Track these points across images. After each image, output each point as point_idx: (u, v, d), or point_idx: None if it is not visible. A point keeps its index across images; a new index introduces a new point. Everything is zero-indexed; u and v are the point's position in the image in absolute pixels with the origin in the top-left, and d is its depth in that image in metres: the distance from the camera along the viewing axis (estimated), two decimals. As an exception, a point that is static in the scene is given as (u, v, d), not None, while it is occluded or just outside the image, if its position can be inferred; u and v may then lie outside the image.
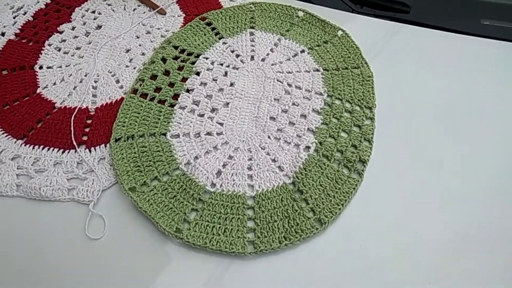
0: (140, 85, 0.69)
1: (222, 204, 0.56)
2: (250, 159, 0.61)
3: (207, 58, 0.73)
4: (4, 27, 0.81)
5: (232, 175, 0.59)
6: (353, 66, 0.72)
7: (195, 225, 0.54)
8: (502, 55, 0.75)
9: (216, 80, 0.70)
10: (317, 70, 0.72)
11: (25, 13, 0.84)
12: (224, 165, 0.60)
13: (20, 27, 0.80)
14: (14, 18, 0.83)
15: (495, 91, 0.69)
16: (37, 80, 0.71)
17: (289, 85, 0.69)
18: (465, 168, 0.59)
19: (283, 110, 0.66)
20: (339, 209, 0.55)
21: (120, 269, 0.53)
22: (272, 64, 0.73)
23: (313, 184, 0.57)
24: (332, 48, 0.75)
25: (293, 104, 0.67)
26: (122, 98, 0.68)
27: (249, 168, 0.60)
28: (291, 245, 0.53)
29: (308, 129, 0.64)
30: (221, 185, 0.58)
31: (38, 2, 0.86)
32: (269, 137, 0.63)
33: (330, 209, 0.55)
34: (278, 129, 0.64)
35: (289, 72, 0.71)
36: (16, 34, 0.79)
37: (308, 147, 0.61)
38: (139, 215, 0.57)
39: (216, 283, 0.51)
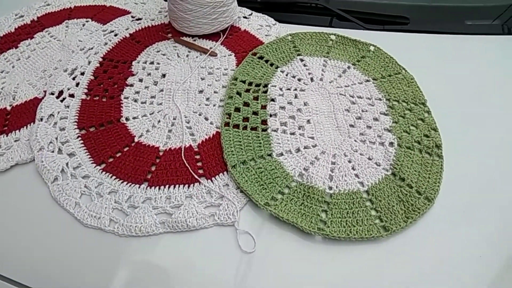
0: (228, 118, 0.78)
1: (344, 201, 0.67)
2: (349, 161, 0.72)
3: (275, 86, 0.84)
4: (69, 89, 0.86)
5: (342, 176, 0.70)
6: (395, 72, 0.87)
7: (331, 222, 0.65)
8: (490, 46, 0.94)
9: (291, 103, 0.81)
10: (368, 81, 0.85)
11: (83, 73, 0.90)
12: (332, 170, 0.71)
13: (86, 87, 0.86)
14: (73, 79, 0.88)
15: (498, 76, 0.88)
16: (129, 130, 0.78)
17: (352, 96, 0.82)
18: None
19: (357, 117, 0.79)
20: (438, 186, 0.68)
21: (281, 269, 0.61)
22: (330, 82, 0.85)
23: (409, 171, 0.70)
24: (371, 61, 0.89)
25: (362, 111, 0.80)
26: (217, 132, 0.77)
27: (353, 168, 0.71)
28: (414, 222, 0.64)
29: (384, 128, 0.77)
30: (336, 186, 0.69)
31: (91, 62, 0.92)
32: (355, 140, 0.75)
33: (431, 187, 0.68)
34: (360, 133, 0.76)
35: (347, 86, 0.84)
36: (86, 94, 0.85)
37: (391, 143, 0.74)
38: (275, 224, 0.66)
39: (362, 267, 0.62)
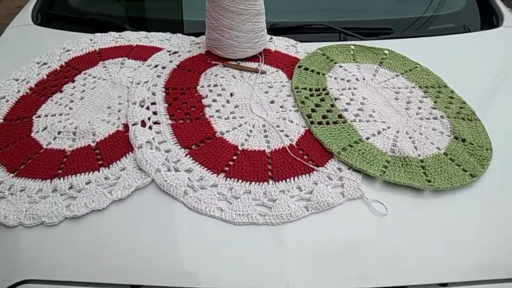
0: (309, 118, 0.91)
1: (434, 163, 0.84)
2: (421, 134, 0.90)
3: (332, 88, 1.00)
4: (149, 118, 0.92)
5: (423, 145, 0.87)
6: (414, 66, 1.09)
7: (435, 179, 0.80)
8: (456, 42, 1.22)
9: (352, 99, 0.97)
10: (397, 75, 1.06)
11: (153, 103, 0.96)
12: (413, 142, 0.88)
13: (167, 113, 0.93)
14: (147, 109, 0.94)
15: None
16: (230, 142, 0.87)
17: (393, 87, 1.02)
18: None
19: (407, 102, 0.98)
20: (489, 139, 0.88)
21: (407, 220, 0.76)
22: (371, 79, 1.04)
23: (465, 133, 0.90)
24: (391, 61, 1.10)
25: (408, 97, 0.99)
26: (307, 130, 0.89)
27: (426, 138, 0.89)
28: (457, 187, 0.80)
29: (431, 107, 0.96)
30: (423, 153, 0.86)
31: (155, 93, 0.99)
32: (415, 119, 0.93)
33: (486, 141, 0.88)
34: (416, 113, 0.95)
35: (385, 81, 1.04)
36: (170, 119, 0.92)
37: (442, 116, 0.94)
38: (386, 191, 0.80)
39: (461, 208, 0.78)
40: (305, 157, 0.84)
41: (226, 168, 0.81)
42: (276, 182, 0.79)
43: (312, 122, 0.90)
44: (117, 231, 0.74)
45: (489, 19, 1.35)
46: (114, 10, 1.51)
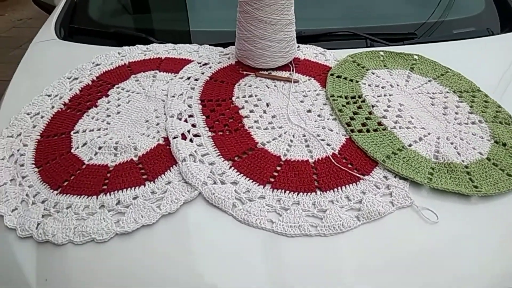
0: (348, 126, 0.91)
1: (478, 168, 0.83)
2: (461, 139, 0.90)
3: (368, 95, 1.00)
4: (189, 131, 0.92)
5: (465, 151, 0.87)
6: (445, 71, 1.09)
7: (481, 185, 0.80)
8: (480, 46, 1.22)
9: (389, 106, 0.97)
10: (430, 81, 1.06)
11: (191, 116, 0.96)
12: (455, 147, 0.88)
13: (206, 125, 0.93)
14: (186, 122, 0.94)
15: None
16: (272, 152, 0.86)
17: (428, 93, 1.02)
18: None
19: (444, 107, 0.98)
20: None
21: (456, 226, 0.76)
22: (405, 85, 1.04)
23: (505, 137, 0.89)
24: (422, 66, 1.10)
25: (444, 102, 0.99)
26: (347, 139, 0.89)
27: (468, 143, 0.89)
28: (504, 192, 0.80)
29: (468, 112, 0.96)
30: (466, 158, 0.85)
31: (191, 105, 0.99)
32: (454, 124, 0.93)
33: None
34: (454, 118, 0.95)
35: (419, 86, 1.04)
36: (210, 131, 0.92)
37: (480, 121, 0.94)
38: (433, 198, 0.80)
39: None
40: (350, 166, 0.84)
41: (272, 179, 0.81)
42: (324, 192, 0.78)
43: (352, 130, 0.90)
44: (169, 246, 0.74)
45: (509, 21, 1.35)
46: (135, 23, 1.51)
